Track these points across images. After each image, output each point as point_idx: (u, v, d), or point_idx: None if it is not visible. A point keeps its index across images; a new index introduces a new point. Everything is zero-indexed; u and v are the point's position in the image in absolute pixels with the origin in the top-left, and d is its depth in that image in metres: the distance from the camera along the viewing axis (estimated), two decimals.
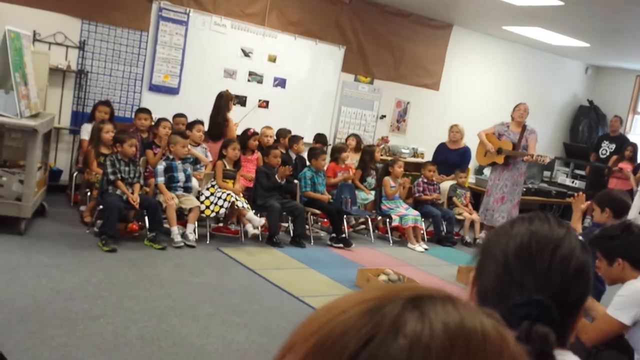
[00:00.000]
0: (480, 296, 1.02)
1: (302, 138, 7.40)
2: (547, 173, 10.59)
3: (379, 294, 0.46)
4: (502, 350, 0.44)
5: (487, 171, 8.99)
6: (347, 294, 0.49)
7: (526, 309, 0.92)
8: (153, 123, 6.59)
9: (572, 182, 10.27)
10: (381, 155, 8.35)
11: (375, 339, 0.41)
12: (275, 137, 7.32)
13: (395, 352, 0.40)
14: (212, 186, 6.11)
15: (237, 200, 5.93)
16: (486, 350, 0.43)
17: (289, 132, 7.40)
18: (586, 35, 8.52)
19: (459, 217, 7.72)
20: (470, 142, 8.23)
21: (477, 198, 8.37)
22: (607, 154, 9.71)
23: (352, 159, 7.74)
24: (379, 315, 0.43)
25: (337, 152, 7.34)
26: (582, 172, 10.42)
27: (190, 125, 6.51)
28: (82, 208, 6.03)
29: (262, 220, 5.99)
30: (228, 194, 5.93)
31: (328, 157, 7.47)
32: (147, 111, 6.59)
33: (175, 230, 5.65)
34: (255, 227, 5.92)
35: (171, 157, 5.88)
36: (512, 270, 0.98)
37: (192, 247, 5.66)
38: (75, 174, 6.46)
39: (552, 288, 0.95)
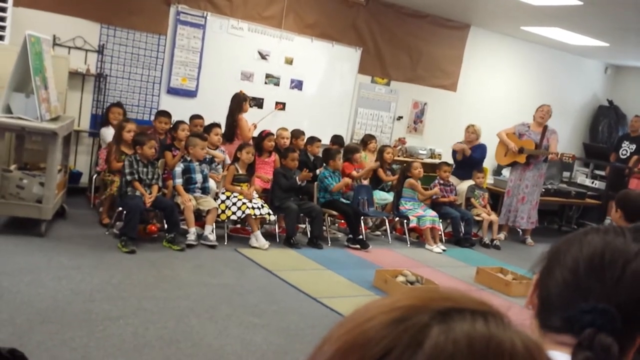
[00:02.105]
0: (542, 300, 1.01)
1: (319, 140, 7.40)
2: (566, 174, 10.49)
3: (409, 303, 0.45)
4: None
5: (505, 172, 8.93)
6: (383, 297, 0.48)
7: (591, 316, 0.90)
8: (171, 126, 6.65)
9: (592, 182, 10.16)
10: (398, 156, 8.34)
11: (393, 352, 0.41)
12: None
13: None
14: (228, 189, 6.14)
15: (252, 209, 5.94)
16: None
17: (303, 133, 7.42)
18: (605, 34, 8.44)
19: (477, 218, 7.67)
20: (488, 142, 8.18)
21: (495, 199, 8.32)
22: (628, 154, 9.58)
23: (370, 159, 7.73)
24: (402, 327, 0.42)
25: (350, 153, 7.33)
26: (602, 173, 10.30)
27: (208, 129, 6.54)
28: (101, 210, 6.09)
29: (267, 244, 5.99)
30: (243, 203, 5.95)
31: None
32: (167, 114, 6.64)
33: (193, 230, 5.69)
34: (258, 244, 5.93)
35: (189, 158, 5.92)
36: (580, 277, 0.96)
37: (213, 247, 5.69)
38: (94, 176, 6.53)
39: (619, 299, 0.93)
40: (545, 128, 7.54)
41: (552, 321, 0.97)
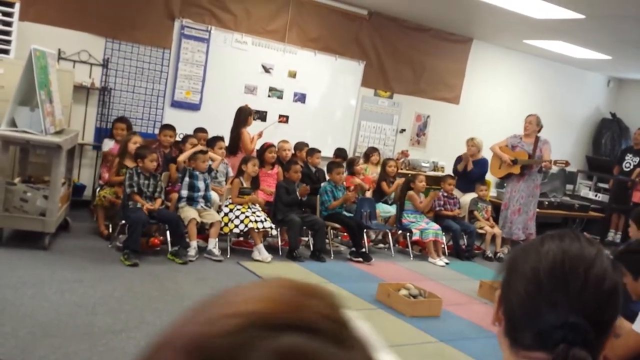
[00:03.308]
0: (508, 315, 1.00)
1: (319, 151, 7.42)
2: (569, 186, 10.49)
3: (253, 308, 0.44)
4: None
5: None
6: (234, 292, 0.47)
7: (562, 332, 0.91)
8: (179, 139, 6.66)
9: (595, 195, 10.15)
10: (401, 169, 8.36)
11: None
12: (292, 151, 7.37)
13: None
14: (231, 202, 6.15)
15: (255, 222, 5.95)
16: None
17: (306, 145, 7.45)
18: (608, 47, 8.47)
19: (480, 231, 7.66)
20: (490, 155, 8.20)
21: (498, 212, 8.31)
22: (631, 167, 9.58)
23: (372, 171, 7.75)
24: (237, 340, 0.42)
25: (351, 166, 7.36)
26: (606, 186, 10.29)
27: (212, 142, 6.57)
28: (97, 219, 6.09)
29: (270, 257, 5.99)
30: (246, 217, 5.96)
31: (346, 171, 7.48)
32: (171, 128, 6.66)
33: (194, 244, 5.70)
34: (261, 257, 5.94)
35: (192, 167, 5.96)
36: (543, 289, 0.96)
37: (219, 261, 5.70)
38: (98, 190, 6.55)
39: (586, 308, 0.93)
40: (537, 139, 7.57)
41: (523, 338, 0.97)
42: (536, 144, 7.51)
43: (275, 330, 0.42)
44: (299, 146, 7.41)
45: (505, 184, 8.21)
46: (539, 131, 7.65)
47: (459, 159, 8.21)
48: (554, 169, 8.78)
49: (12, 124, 5.09)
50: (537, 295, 0.96)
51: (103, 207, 5.98)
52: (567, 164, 7.74)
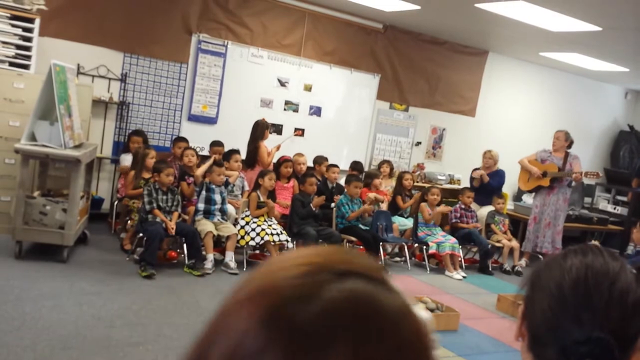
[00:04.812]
0: (532, 331, 1.00)
1: (337, 166, 7.43)
2: (588, 199, 10.39)
3: (316, 260, 0.53)
4: (399, 327, 0.51)
5: (525, 197, 8.86)
6: (299, 250, 0.57)
7: (587, 347, 0.91)
8: (202, 151, 6.73)
9: (614, 208, 10.05)
10: (416, 182, 8.34)
11: (297, 300, 0.49)
12: (311, 165, 7.39)
13: (309, 314, 0.49)
14: (247, 215, 6.17)
15: (271, 235, 5.97)
16: (385, 326, 0.50)
17: (326, 159, 7.46)
18: (625, 59, 8.41)
19: (497, 244, 7.61)
20: (508, 168, 8.16)
21: (515, 225, 8.25)
22: None
23: (385, 185, 7.75)
24: (308, 280, 0.51)
25: (369, 178, 7.36)
26: (624, 199, 10.19)
27: (228, 155, 6.61)
28: (122, 235, 6.15)
29: None
30: (262, 230, 5.98)
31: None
32: (184, 140, 6.73)
33: (210, 257, 5.71)
34: None
35: (208, 181, 6.00)
36: (568, 304, 0.96)
37: (235, 274, 5.72)
38: (116, 202, 6.61)
39: (611, 324, 0.93)
40: (567, 154, 7.50)
41: (547, 354, 0.96)
42: (566, 158, 7.46)
43: (339, 276, 0.52)
44: (318, 160, 7.43)
45: (529, 198, 8.16)
46: (569, 146, 7.57)
47: (472, 179, 8.16)
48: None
49: (32, 138, 5.16)
50: (561, 311, 0.96)
51: (125, 219, 6.10)
52: (598, 175, 7.66)
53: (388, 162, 8.18)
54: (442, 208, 7.30)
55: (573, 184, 7.65)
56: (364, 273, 0.53)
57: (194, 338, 0.55)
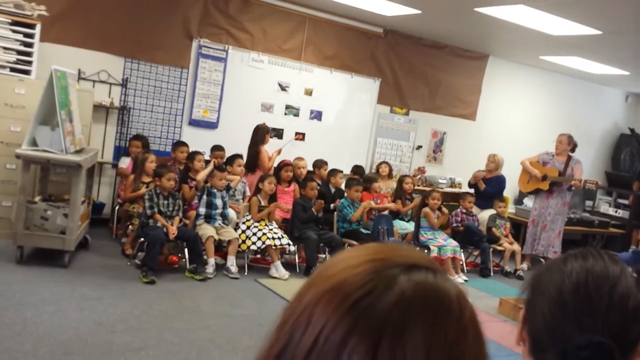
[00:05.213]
0: (533, 336, 1.00)
1: (341, 172, 7.44)
2: (589, 202, 10.38)
3: (381, 256, 0.60)
4: (462, 314, 0.59)
5: (527, 201, 8.86)
6: (358, 248, 0.64)
7: (588, 352, 0.91)
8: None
9: (615, 211, 10.03)
10: (417, 185, 8.34)
11: (373, 292, 0.56)
12: (311, 169, 7.39)
13: (386, 303, 0.55)
14: (248, 220, 6.17)
15: (272, 239, 5.97)
16: (451, 311, 0.58)
17: (325, 163, 7.47)
18: (625, 63, 8.42)
19: (498, 247, 7.60)
20: (509, 171, 8.15)
21: (517, 228, 8.24)
22: None
23: (385, 187, 7.75)
24: (379, 276, 0.57)
25: (368, 182, 7.35)
26: (626, 202, 10.18)
27: (231, 160, 6.62)
28: (124, 240, 6.15)
29: (287, 274, 6.00)
30: (263, 234, 5.98)
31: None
32: (185, 144, 6.74)
33: (212, 261, 5.71)
34: (278, 274, 5.94)
35: (209, 185, 6.00)
36: (568, 309, 0.96)
37: (236, 279, 5.72)
38: (117, 207, 6.61)
39: (611, 328, 0.93)
40: (569, 158, 7.50)
41: (548, 358, 0.97)
42: (568, 162, 7.45)
43: (411, 268, 0.59)
44: (318, 164, 7.43)
45: (530, 201, 8.15)
46: (572, 150, 7.57)
47: (478, 171, 8.17)
48: None
49: (33, 143, 5.17)
50: (562, 316, 0.96)
51: (126, 223, 6.12)
52: (597, 184, 7.66)
53: (386, 162, 8.19)
54: (445, 215, 7.30)
55: (573, 188, 7.65)
56: (425, 265, 0.60)
57: (265, 340, 0.60)
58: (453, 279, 0.63)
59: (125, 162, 6.49)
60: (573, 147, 7.57)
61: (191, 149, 6.72)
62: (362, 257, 0.60)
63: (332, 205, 6.95)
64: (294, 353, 0.56)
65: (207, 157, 6.82)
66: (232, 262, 5.83)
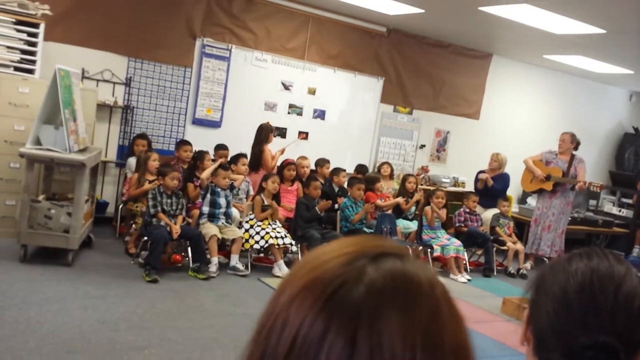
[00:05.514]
0: (538, 336, 1.00)
1: (344, 170, 7.44)
2: (592, 202, 10.35)
3: (352, 249, 0.61)
4: (433, 292, 0.60)
5: (530, 200, 8.85)
6: (328, 244, 0.64)
7: (593, 352, 0.90)
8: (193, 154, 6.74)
9: (619, 211, 10.01)
10: (421, 184, 8.33)
11: (345, 285, 0.57)
12: (313, 167, 7.39)
13: (357, 295, 0.56)
14: (252, 219, 6.18)
15: (276, 238, 5.98)
16: (421, 292, 0.59)
17: (327, 161, 7.46)
18: (629, 62, 8.39)
19: (502, 247, 7.59)
20: (513, 170, 8.14)
21: (520, 228, 8.23)
22: None
23: (387, 187, 7.75)
24: (350, 268, 0.58)
25: (371, 182, 7.34)
26: (629, 201, 10.15)
27: (235, 159, 6.63)
28: (127, 239, 6.16)
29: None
30: (266, 233, 5.99)
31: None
32: (189, 143, 6.74)
33: (215, 260, 5.72)
34: (281, 274, 5.95)
35: (213, 184, 6.01)
36: (573, 309, 0.95)
37: (244, 276, 5.74)
38: (120, 206, 6.62)
39: (617, 328, 0.93)
40: (572, 156, 7.47)
41: (552, 358, 0.96)
42: (571, 161, 7.43)
43: (378, 258, 0.60)
44: (320, 162, 7.43)
45: (534, 200, 8.12)
46: (575, 148, 7.55)
47: (476, 181, 8.16)
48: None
49: (37, 142, 5.18)
50: (567, 316, 0.96)
51: (130, 222, 6.14)
52: (602, 187, 7.64)
53: (388, 163, 8.18)
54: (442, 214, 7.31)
55: (577, 189, 7.63)
56: (393, 253, 0.62)
57: (249, 338, 0.60)
58: (423, 263, 0.64)
59: (133, 164, 6.49)
60: (576, 145, 7.55)
61: (194, 148, 6.74)
62: (330, 253, 0.61)
63: (336, 205, 6.94)
64: (273, 358, 0.57)
65: (211, 156, 6.82)
66: (236, 261, 5.84)
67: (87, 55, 6.73)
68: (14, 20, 5.79)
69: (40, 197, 5.65)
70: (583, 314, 0.94)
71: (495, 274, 7.35)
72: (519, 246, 7.64)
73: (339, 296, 0.56)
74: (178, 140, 7.18)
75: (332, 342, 0.54)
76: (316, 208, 6.49)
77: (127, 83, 7.02)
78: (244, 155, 6.70)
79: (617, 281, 0.96)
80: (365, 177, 7.51)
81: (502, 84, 9.70)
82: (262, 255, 6.37)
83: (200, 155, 6.51)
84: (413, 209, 7.65)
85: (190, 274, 5.57)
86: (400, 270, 0.60)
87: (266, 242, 5.96)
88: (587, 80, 10.44)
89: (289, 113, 8.04)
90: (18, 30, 5.83)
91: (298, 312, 0.57)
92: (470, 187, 8.54)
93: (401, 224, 7.37)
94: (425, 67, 8.93)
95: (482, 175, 8.04)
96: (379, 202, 7.15)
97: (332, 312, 0.56)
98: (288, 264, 6.13)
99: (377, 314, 0.56)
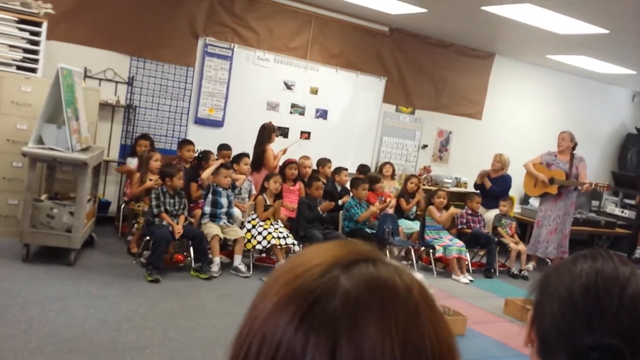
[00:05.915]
0: (542, 337, 0.99)
1: (346, 169, 7.43)
2: (595, 203, 10.34)
3: (326, 259, 0.60)
4: (409, 296, 0.59)
5: (533, 201, 8.83)
6: (305, 253, 0.64)
7: (598, 353, 0.90)
8: (197, 154, 6.74)
9: (622, 211, 9.99)
10: (423, 184, 8.31)
11: (320, 301, 0.56)
12: (315, 167, 7.39)
13: (334, 308, 0.56)
14: (254, 219, 6.17)
15: (278, 238, 5.97)
16: (397, 297, 0.58)
17: (329, 161, 7.46)
18: (633, 62, 8.38)
19: (504, 243, 7.58)
20: (515, 170, 8.12)
21: (523, 228, 8.22)
22: None
23: (388, 187, 7.74)
24: (324, 279, 0.58)
25: (373, 183, 7.33)
26: (632, 202, 10.13)
27: (238, 158, 6.62)
28: (129, 239, 6.16)
29: None
30: (268, 233, 5.98)
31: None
32: (191, 142, 6.74)
33: (217, 260, 5.71)
34: None
35: (215, 184, 6.00)
36: (578, 310, 0.95)
37: (246, 277, 5.73)
38: (122, 206, 6.62)
39: (621, 329, 0.92)
40: (572, 156, 7.44)
41: (557, 359, 0.96)
42: (572, 162, 7.39)
43: (350, 266, 0.59)
44: (322, 162, 7.42)
45: (533, 201, 8.10)
46: (573, 147, 7.53)
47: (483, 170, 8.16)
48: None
49: (39, 141, 5.17)
50: (572, 317, 0.95)
51: (132, 222, 6.14)
52: (608, 188, 7.61)
53: (390, 163, 8.17)
54: (452, 210, 7.29)
55: (582, 191, 7.60)
56: (364, 258, 0.61)
57: (229, 351, 0.60)
58: (396, 263, 0.63)
59: (132, 163, 6.48)
60: (574, 144, 7.53)
61: (197, 148, 6.73)
62: (304, 265, 0.61)
63: (340, 201, 6.93)
64: None
65: (215, 156, 6.82)
66: (239, 262, 5.84)
67: (89, 54, 6.73)
68: (16, 19, 5.79)
69: (43, 197, 5.65)
70: (588, 316, 0.94)
71: (497, 274, 7.34)
72: (522, 247, 7.62)
73: (316, 311, 0.56)
74: (180, 139, 7.18)
75: (312, 357, 0.54)
76: (318, 208, 6.48)
77: (130, 82, 7.02)
78: (247, 155, 6.70)
79: (622, 283, 0.95)
80: (367, 178, 7.49)
81: (505, 84, 9.68)
82: (264, 255, 6.37)
83: (205, 155, 6.51)
84: (415, 209, 7.64)
85: (192, 273, 5.57)
86: (374, 277, 0.59)
87: (268, 242, 5.96)
88: (590, 81, 10.42)
89: (291, 113, 8.03)
90: (21, 29, 5.83)
91: (276, 329, 0.56)
92: (472, 187, 8.52)
93: (403, 224, 7.36)
94: (428, 67, 8.92)
95: (483, 171, 8.02)
96: (377, 203, 7.12)
97: (309, 327, 0.55)
98: None
99: (354, 326, 0.55)
